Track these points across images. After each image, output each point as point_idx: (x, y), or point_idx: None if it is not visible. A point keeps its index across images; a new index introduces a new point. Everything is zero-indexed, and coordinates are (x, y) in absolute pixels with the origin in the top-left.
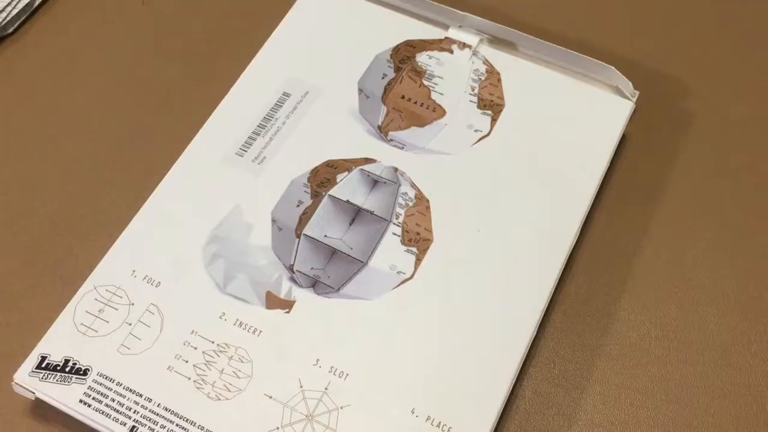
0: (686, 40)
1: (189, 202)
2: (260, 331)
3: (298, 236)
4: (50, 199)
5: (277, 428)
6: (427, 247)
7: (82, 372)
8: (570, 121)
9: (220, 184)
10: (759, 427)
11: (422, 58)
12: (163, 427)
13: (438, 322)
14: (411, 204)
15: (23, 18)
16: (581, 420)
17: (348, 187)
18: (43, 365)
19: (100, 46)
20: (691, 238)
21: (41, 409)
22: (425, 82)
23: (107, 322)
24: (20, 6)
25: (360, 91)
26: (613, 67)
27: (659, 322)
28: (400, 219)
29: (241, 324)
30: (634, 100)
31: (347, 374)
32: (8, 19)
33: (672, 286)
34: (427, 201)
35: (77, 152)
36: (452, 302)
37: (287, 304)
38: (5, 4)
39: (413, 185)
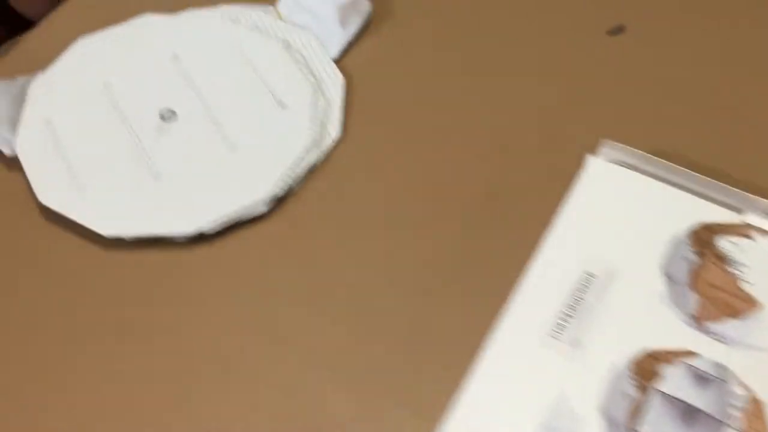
0: None
1: (509, 388)
2: None
3: None
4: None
5: None
6: None
7: None
8: None
9: (539, 368)
10: None
11: (722, 243)
12: None
13: None
14: (744, 405)
15: (304, 177)
16: None
17: (675, 382)
18: None
19: (377, 200)
20: None
21: None
22: (731, 269)
23: None
24: (305, 167)
25: (664, 276)
26: None
27: None
28: (736, 422)
29: None
30: None
31: None
32: (298, 180)
33: None
34: (761, 403)
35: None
36: None
37: None
38: (292, 163)
39: (743, 384)
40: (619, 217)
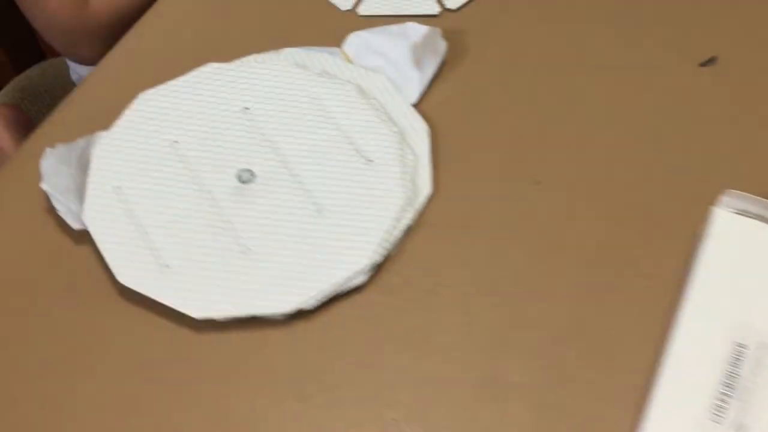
0: None
1: None
2: None
3: None
4: None
5: None
6: None
7: None
8: None
9: None
10: None
11: None
12: None
13: None
14: None
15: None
16: None
17: None
18: None
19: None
20: None
21: None
22: None
23: None
24: (402, 229)
25: None
26: None
27: None
28: None
29: None
30: None
31: None
32: (395, 244)
33: None
34: None
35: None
36: None
37: None
38: (389, 226)
39: None
40: (760, 277)
